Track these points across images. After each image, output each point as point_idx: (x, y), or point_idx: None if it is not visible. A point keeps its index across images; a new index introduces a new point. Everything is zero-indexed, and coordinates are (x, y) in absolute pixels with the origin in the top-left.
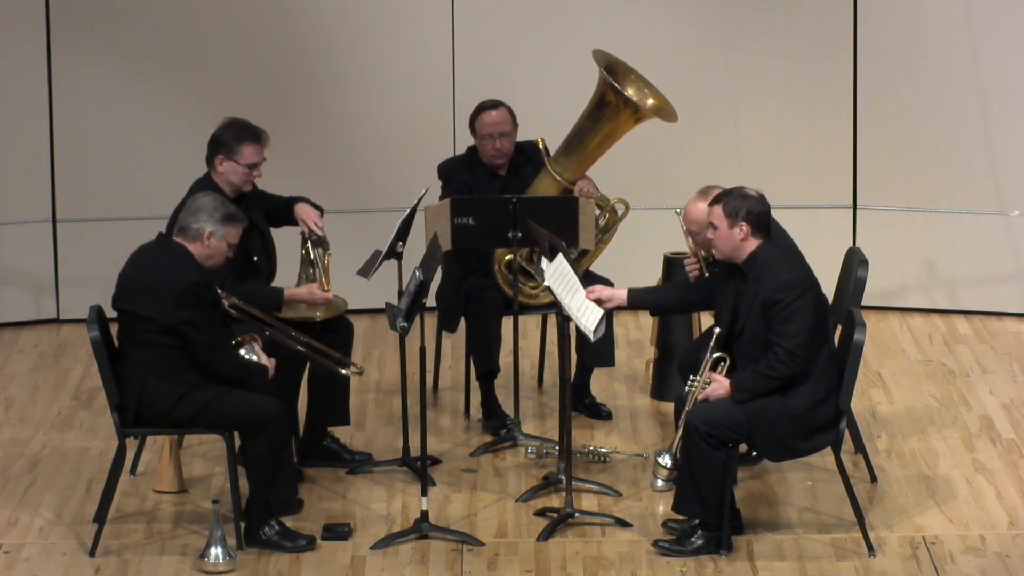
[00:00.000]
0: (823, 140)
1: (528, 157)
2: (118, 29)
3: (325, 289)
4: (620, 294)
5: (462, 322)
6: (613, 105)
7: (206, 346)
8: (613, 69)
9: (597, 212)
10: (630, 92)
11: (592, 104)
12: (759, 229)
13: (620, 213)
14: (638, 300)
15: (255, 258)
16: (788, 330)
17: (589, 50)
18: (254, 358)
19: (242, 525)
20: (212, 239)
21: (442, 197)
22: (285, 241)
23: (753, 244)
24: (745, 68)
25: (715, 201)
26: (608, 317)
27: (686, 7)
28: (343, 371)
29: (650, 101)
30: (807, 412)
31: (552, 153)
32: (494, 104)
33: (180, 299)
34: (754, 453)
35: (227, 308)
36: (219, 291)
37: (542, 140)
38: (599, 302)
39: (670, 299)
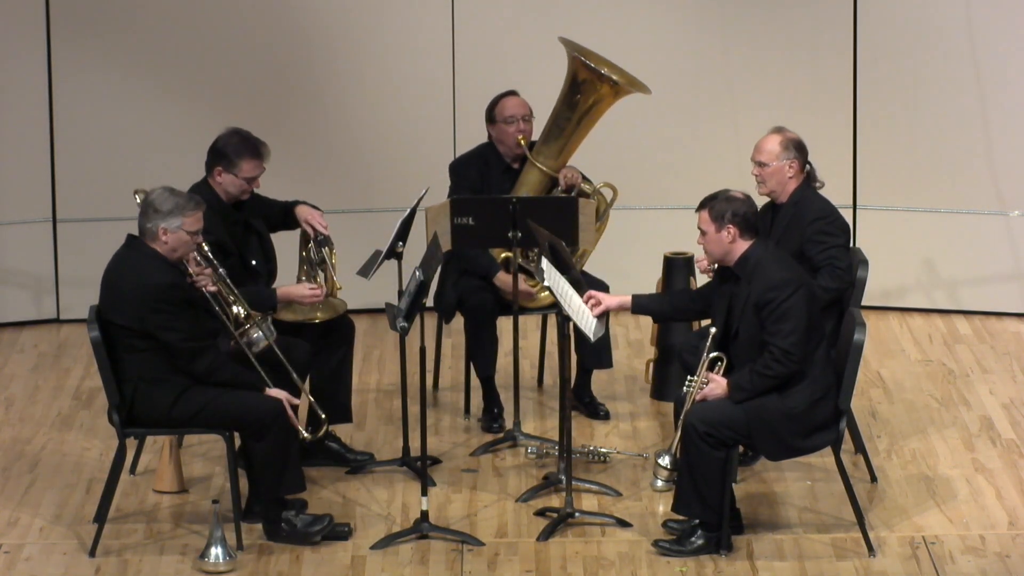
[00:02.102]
0: (823, 140)
1: None
2: (118, 29)
3: (336, 287)
4: (624, 299)
5: (461, 321)
6: (587, 82)
7: (181, 349)
8: (582, 51)
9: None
10: (602, 68)
11: (566, 86)
12: (747, 230)
13: (609, 197)
14: (641, 306)
15: (253, 262)
16: (782, 329)
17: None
18: (260, 335)
19: (243, 525)
20: (168, 235)
21: (450, 195)
22: (283, 244)
23: (743, 245)
24: (745, 68)
25: (701, 206)
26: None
27: (686, 7)
28: (305, 435)
29: (616, 76)
30: (806, 411)
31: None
32: (511, 92)
33: (149, 304)
34: (750, 454)
35: (207, 291)
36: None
37: (521, 139)
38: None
39: (673, 307)
